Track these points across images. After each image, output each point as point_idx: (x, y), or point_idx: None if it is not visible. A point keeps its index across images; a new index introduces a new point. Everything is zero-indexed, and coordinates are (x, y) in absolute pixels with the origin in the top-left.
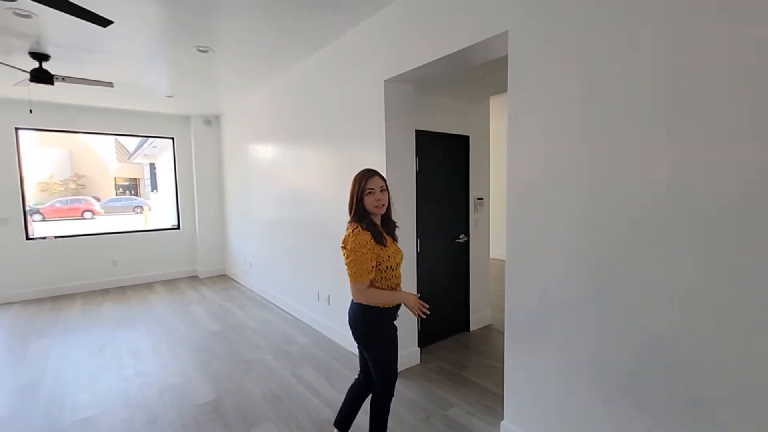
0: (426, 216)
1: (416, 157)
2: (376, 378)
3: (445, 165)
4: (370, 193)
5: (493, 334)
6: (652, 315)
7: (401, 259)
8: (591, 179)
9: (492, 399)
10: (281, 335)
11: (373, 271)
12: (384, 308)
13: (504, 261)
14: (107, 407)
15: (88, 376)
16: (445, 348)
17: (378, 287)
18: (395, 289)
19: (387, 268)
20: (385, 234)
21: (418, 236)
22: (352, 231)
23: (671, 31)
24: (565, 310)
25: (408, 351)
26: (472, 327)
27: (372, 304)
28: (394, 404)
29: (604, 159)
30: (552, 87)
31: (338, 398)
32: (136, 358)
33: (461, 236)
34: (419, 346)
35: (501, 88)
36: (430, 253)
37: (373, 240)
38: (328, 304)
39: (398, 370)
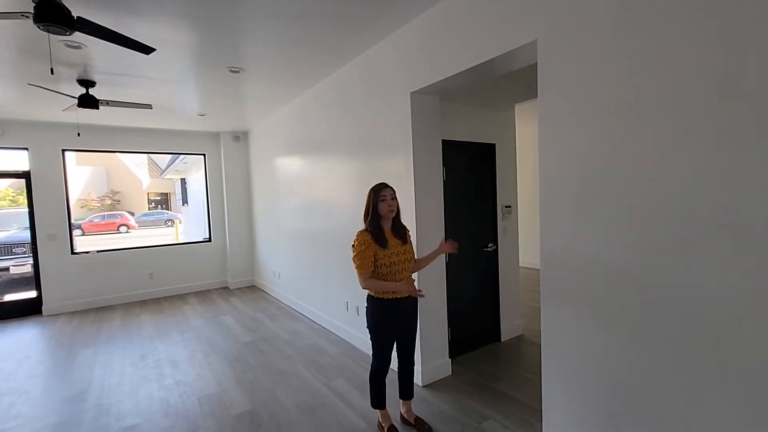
0: (454, 225)
1: (443, 166)
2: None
3: (471, 174)
4: (383, 200)
5: (526, 345)
6: (708, 331)
7: (409, 258)
8: (626, 183)
9: (528, 412)
10: (312, 346)
11: (373, 265)
12: (381, 300)
13: (533, 269)
14: (150, 415)
15: (130, 385)
16: (477, 359)
17: (381, 279)
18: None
19: (386, 264)
20: (392, 236)
21: None
22: (358, 232)
23: (711, 31)
24: (606, 323)
25: (439, 362)
26: (504, 337)
27: (372, 290)
28: (427, 416)
29: (640, 162)
30: (583, 92)
31: (372, 409)
32: (174, 368)
33: (490, 245)
34: (450, 357)
35: (526, 95)
36: (458, 262)
37: (372, 239)
38: (357, 314)
39: (429, 382)
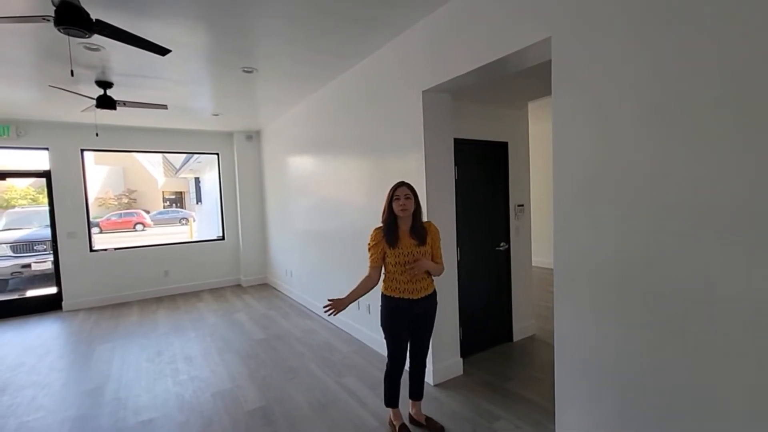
0: (466, 224)
1: (455, 165)
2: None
3: (484, 172)
4: (396, 199)
5: (538, 345)
6: (727, 331)
7: (422, 256)
8: (642, 181)
9: (541, 412)
10: (324, 344)
11: (380, 261)
12: (392, 298)
13: (547, 269)
14: (166, 410)
15: (147, 380)
16: (488, 359)
17: (389, 280)
18: (410, 284)
19: (393, 263)
20: (408, 236)
21: (458, 245)
22: (373, 229)
23: (728, 30)
24: (621, 324)
25: (450, 361)
26: (516, 337)
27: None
28: (438, 415)
29: (655, 160)
30: (598, 90)
31: (383, 407)
32: (189, 364)
33: (502, 244)
34: (461, 356)
35: (539, 92)
36: (470, 261)
37: (383, 237)
38: (369, 313)
39: (440, 381)
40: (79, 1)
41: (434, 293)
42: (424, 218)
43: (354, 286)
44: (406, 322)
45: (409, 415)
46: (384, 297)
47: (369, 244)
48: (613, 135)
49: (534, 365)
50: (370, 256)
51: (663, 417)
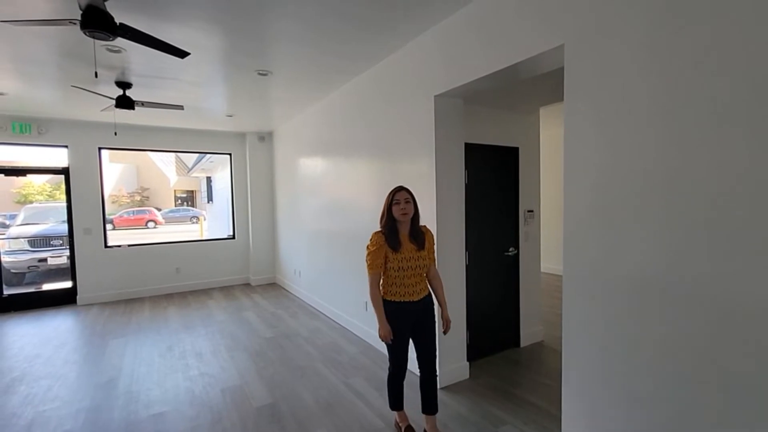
0: (475, 229)
1: (465, 169)
2: None
3: (494, 177)
4: (396, 203)
5: (546, 351)
6: (744, 346)
7: (423, 264)
8: (654, 189)
9: (547, 418)
10: (331, 344)
11: (383, 266)
12: (391, 302)
13: (556, 275)
14: (176, 404)
15: (158, 375)
16: (495, 364)
17: (389, 284)
18: (410, 287)
19: (395, 267)
20: (408, 241)
21: (466, 249)
22: (373, 233)
23: (743, 35)
24: (633, 335)
25: (456, 365)
26: (523, 343)
27: (369, 291)
28: (445, 419)
29: (668, 169)
30: (610, 97)
31: (388, 409)
32: (199, 360)
33: (511, 249)
34: (468, 360)
35: (551, 98)
36: (478, 266)
37: (385, 241)
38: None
39: (446, 384)
40: (104, 5)
41: (430, 294)
42: (432, 222)
43: (373, 304)
44: (408, 324)
45: (424, 430)
46: (384, 301)
47: (370, 248)
48: (625, 143)
49: (541, 371)
50: (372, 261)
51: (672, 430)
